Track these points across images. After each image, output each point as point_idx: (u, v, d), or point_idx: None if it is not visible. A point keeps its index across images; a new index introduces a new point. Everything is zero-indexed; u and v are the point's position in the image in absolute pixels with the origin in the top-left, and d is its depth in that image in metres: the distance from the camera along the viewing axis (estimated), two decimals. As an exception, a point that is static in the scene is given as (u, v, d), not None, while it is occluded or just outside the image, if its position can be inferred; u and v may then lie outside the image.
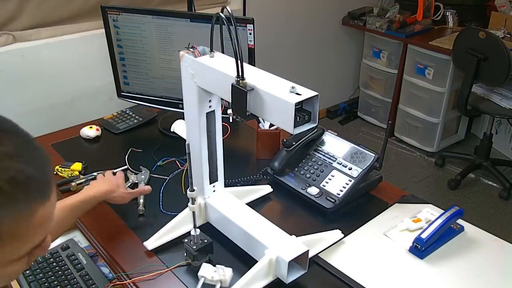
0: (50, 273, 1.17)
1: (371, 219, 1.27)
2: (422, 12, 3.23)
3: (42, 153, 0.64)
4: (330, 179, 1.34)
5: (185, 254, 1.13)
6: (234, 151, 1.58)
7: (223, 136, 1.18)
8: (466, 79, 2.75)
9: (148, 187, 1.28)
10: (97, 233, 1.24)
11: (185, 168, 1.44)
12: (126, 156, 1.52)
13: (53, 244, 1.27)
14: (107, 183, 1.23)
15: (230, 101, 0.97)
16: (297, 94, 0.89)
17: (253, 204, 1.31)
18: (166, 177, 1.43)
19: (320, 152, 1.41)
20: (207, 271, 1.03)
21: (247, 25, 1.42)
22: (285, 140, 1.41)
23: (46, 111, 2.12)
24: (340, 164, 1.36)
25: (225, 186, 1.26)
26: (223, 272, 1.03)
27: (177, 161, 1.50)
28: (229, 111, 0.99)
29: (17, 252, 0.63)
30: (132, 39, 1.59)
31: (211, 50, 1.04)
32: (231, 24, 0.91)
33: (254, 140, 1.55)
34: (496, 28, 3.04)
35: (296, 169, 1.40)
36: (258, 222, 1.16)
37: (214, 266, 1.05)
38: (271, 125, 1.55)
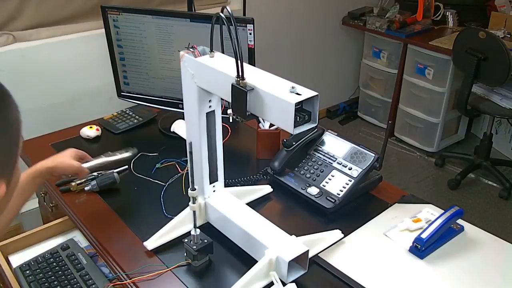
0: (50, 273, 1.17)
1: (371, 219, 1.27)
2: (422, 12, 3.23)
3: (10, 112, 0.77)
4: (330, 179, 1.34)
5: (185, 254, 1.13)
6: (234, 151, 1.58)
7: (223, 139, 1.18)
8: (466, 79, 2.75)
9: (86, 171, 1.28)
10: (97, 233, 1.24)
11: (186, 170, 1.44)
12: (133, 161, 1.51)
13: (53, 244, 1.28)
14: (52, 160, 1.25)
15: (230, 101, 0.97)
16: (297, 94, 0.89)
17: (253, 204, 1.31)
18: (166, 179, 1.43)
19: (320, 152, 1.41)
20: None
21: (247, 25, 1.42)
22: (285, 140, 1.41)
23: (46, 111, 2.12)
24: (340, 164, 1.36)
25: (225, 186, 1.26)
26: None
27: (177, 164, 1.50)
28: (229, 111, 0.99)
29: None
30: (132, 39, 1.59)
31: (211, 50, 1.04)
32: (231, 24, 0.91)
33: (254, 140, 1.55)
34: (496, 28, 3.04)
35: (296, 169, 1.40)
36: (258, 222, 1.16)
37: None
38: (271, 125, 1.55)
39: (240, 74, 0.92)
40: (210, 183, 1.21)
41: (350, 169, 1.34)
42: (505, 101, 2.73)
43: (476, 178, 3.10)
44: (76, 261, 1.19)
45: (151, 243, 1.17)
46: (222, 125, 1.16)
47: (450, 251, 1.17)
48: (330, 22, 3.46)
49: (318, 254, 1.15)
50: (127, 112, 1.82)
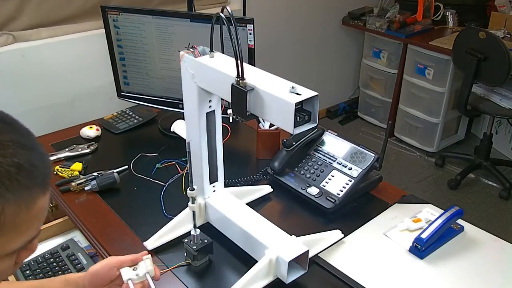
0: (50, 273, 1.17)
1: (371, 219, 1.27)
2: (422, 12, 3.23)
3: (43, 149, 0.66)
4: (330, 179, 1.34)
5: (185, 254, 1.13)
6: (234, 151, 1.58)
7: (223, 139, 1.18)
8: (466, 79, 2.75)
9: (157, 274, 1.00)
10: (97, 233, 1.24)
11: (185, 170, 1.44)
12: (132, 161, 1.52)
13: (53, 244, 1.28)
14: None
15: (230, 101, 0.97)
16: (297, 94, 0.89)
17: (253, 204, 1.31)
18: (166, 179, 1.43)
19: (320, 152, 1.41)
20: (129, 273, 0.95)
21: (247, 25, 1.42)
22: (285, 140, 1.41)
23: (46, 111, 2.12)
24: (340, 164, 1.36)
25: (225, 186, 1.26)
26: (144, 264, 0.97)
27: (177, 164, 1.50)
28: (229, 111, 0.99)
29: (11, 244, 0.63)
30: (132, 39, 1.59)
31: (211, 50, 1.04)
32: (231, 24, 0.91)
33: (254, 140, 1.55)
34: (496, 28, 3.04)
35: (296, 169, 1.40)
36: (258, 222, 1.16)
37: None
38: (271, 125, 1.55)
39: (240, 74, 0.92)
40: (210, 183, 1.21)
41: (350, 169, 1.34)
42: (505, 101, 2.73)
43: (476, 178, 3.10)
44: (76, 261, 1.19)
45: (151, 243, 1.17)
46: (222, 125, 1.16)
47: (450, 251, 1.17)
48: (330, 22, 3.46)
49: (318, 254, 1.15)
50: (127, 112, 1.82)
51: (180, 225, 1.20)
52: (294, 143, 1.40)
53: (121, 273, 0.95)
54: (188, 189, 1.07)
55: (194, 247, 1.09)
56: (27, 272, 1.17)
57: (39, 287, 0.97)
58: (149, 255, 0.98)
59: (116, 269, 0.97)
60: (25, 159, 0.60)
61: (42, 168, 0.63)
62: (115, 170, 1.42)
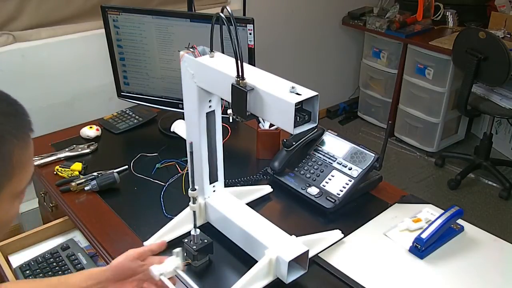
0: (50, 273, 1.17)
1: (371, 219, 1.27)
2: (422, 12, 3.23)
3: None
4: (330, 179, 1.34)
5: (185, 254, 1.13)
6: (234, 151, 1.58)
7: (223, 139, 1.18)
8: (466, 79, 2.75)
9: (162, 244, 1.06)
10: (97, 233, 1.24)
11: (185, 170, 1.44)
12: (133, 161, 1.52)
13: (53, 244, 1.28)
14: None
15: (230, 101, 0.97)
16: (297, 94, 0.89)
17: (253, 204, 1.31)
18: (166, 179, 1.43)
19: (320, 152, 1.41)
20: (160, 268, 0.96)
21: (247, 25, 1.42)
22: (285, 140, 1.41)
23: (46, 111, 2.12)
24: (340, 164, 1.36)
25: (225, 186, 1.26)
26: (170, 260, 0.98)
27: (177, 164, 1.50)
28: (229, 111, 0.99)
29: (21, 183, 0.72)
30: (132, 39, 1.59)
31: (211, 50, 1.04)
32: (231, 24, 0.91)
33: (254, 140, 1.55)
34: (496, 28, 3.04)
35: (296, 169, 1.40)
36: (258, 222, 1.16)
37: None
38: (271, 125, 1.55)
39: (240, 74, 0.93)
40: (210, 183, 1.21)
41: (350, 169, 1.34)
42: (505, 101, 2.73)
43: (476, 178, 3.10)
44: (76, 261, 1.19)
45: (151, 243, 1.17)
46: (222, 125, 1.16)
47: (450, 251, 1.17)
48: (330, 22, 3.46)
49: (318, 254, 1.15)
50: (127, 112, 1.82)
51: (180, 225, 1.20)
52: (294, 143, 1.40)
53: (151, 270, 0.96)
54: (189, 189, 1.07)
55: (194, 247, 1.09)
56: (27, 272, 1.18)
57: (58, 284, 0.95)
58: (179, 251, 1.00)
59: (138, 261, 0.99)
60: (20, 107, 0.74)
61: (27, 116, 0.75)
62: (115, 170, 1.42)
